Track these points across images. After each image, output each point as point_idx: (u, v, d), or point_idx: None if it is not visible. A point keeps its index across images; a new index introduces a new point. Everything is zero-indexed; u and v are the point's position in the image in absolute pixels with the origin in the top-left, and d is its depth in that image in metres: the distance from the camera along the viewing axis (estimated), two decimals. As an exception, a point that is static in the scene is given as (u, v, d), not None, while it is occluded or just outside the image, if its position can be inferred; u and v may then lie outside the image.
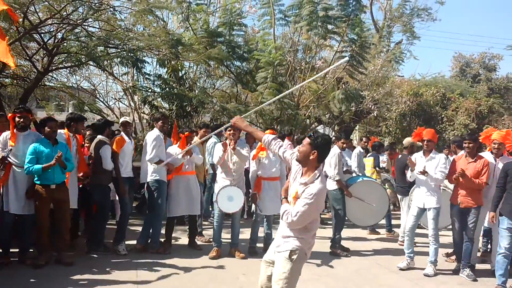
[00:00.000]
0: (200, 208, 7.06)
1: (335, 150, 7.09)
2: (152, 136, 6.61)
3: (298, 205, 3.38)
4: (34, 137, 5.78)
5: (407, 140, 8.00)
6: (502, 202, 5.58)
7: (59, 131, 6.17)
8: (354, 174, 8.09)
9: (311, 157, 3.46)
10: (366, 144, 10.12)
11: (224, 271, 5.92)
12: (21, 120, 5.60)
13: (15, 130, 5.59)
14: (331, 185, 7.02)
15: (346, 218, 7.24)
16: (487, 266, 6.38)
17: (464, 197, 6.07)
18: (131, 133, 6.94)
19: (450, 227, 6.60)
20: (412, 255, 6.43)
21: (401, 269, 6.29)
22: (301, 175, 3.54)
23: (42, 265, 5.61)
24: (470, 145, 6.12)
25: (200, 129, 8.30)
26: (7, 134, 5.60)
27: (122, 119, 7.06)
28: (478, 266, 6.41)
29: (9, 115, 5.71)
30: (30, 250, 5.99)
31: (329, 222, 9.38)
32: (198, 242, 7.14)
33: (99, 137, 6.51)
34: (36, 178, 5.61)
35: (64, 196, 5.80)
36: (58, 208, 5.77)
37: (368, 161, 9.10)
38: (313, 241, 3.61)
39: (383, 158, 9.39)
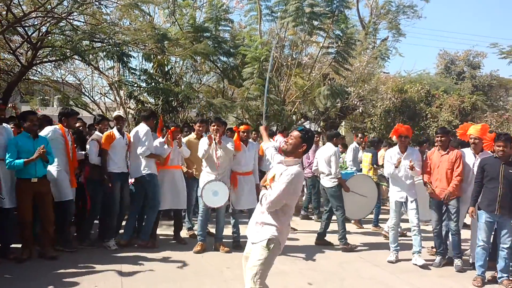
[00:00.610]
0: (186, 203, 7.07)
1: (332, 148, 7.23)
2: (143, 130, 6.63)
3: (277, 186, 3.51)
4: (9, 130, 5.77)
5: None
6: (481, 197, 5.72)
7: (53, 126, 6.17)
8: (349, 169, 8.22)
9: (299, 150, 3.66)
10: (361, 139, 10.21)
11: (208, 264, 5.97)
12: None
13: None
14: (328, 183, 7.14)
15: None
16: (466, 258, 6.51)
17: (443, 190, 6.22)
18: (123, 127, 6.87)
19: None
20: (398, 248, 6.60)
21: (391, 262, 6.42)
22: (281, 162, 3.73)
23: (25, 259, 5.60)
24: (442, 138, 6.35)
25: (195, 124, 8.04)
26: None
27: (115, 113, 6.99)
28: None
29: None
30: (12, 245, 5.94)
31: (312, 217, 9.49)
32: (188, 236, 7.18)
33: (96, 133, 6.63)
34: (17, 173, 5.58)
35: (46, 189, 5.80)
36: (40, 202, 5.74)
37: (366, 157, 9.09)
38: (288, 232, 3.74)
39: (381, 154, 9.38)
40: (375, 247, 7.27)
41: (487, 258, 5.69)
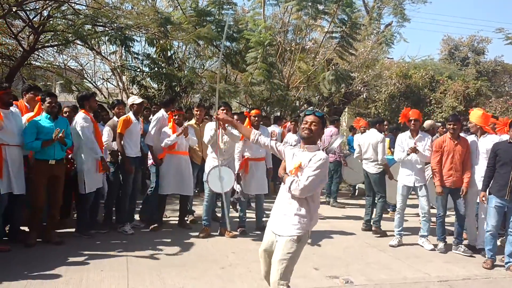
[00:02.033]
0: (192, 189, 7.06)
1: (379, 134, 7.26)
2: (154, 118, 6.82)
3: (308, 171, 3.35)
4: (18, 114, 5.72)
5: (427, 123, 8.07)
6: (492, 182, 5.71)
7: (81, 113, 6.14)
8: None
9: (319, 137, 3.58)
10: (338, 125, 10.28)
11: (213, 249, 5.96)
12: (6, 96, 5.48)
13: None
14: (373, 169, 7.20)
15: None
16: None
17: (453, 178, 6.20)
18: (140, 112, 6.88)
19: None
20: (402, 232, 6.62)
21: (392, 246, 6.44)
22: (304, 150, 3.53)
23: (34, 244, 5.58)
24: (455, 126, 6.23)
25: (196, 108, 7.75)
26: None
27: (131, 99, 6.97)
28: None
29: None
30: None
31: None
32: (188, 221, 7.19)
33: (113, 119, 6.81)
34: (35, 154, 5.58)
35: (61, 173, 5.78)
36: (52, 185, 5.72)
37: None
38: (316, 219, 3.59)
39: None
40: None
41: (496, 243, 5.76)
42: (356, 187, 11.04)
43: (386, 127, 9.93)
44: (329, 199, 9.63)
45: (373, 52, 14.44)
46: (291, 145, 3.81)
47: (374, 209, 7.33)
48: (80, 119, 6.05)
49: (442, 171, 6.26)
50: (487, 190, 5.77)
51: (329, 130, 9.52)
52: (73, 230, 6.30)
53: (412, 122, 6.53)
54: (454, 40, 26.66)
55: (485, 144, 6.14)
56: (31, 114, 5.94)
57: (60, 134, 5.45)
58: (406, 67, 15.59)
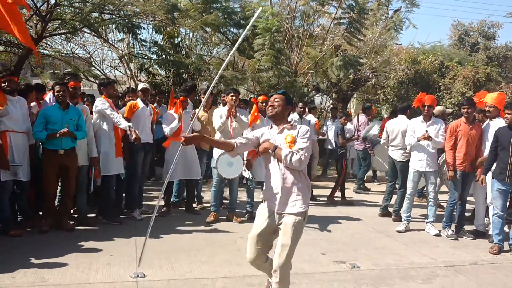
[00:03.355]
0: (199, 173, 7.11)
1: (406, 120, 7.20)
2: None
3: (300, 143, 3.38)
4: (24, 102, 5.77)
5: (438, 109, 8.04)
6: (495, 165, 5.76)
7: (100, 99, 6.21)
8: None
9: (286, 112, 3.60)
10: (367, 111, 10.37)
11: (221, 234, 6.02)
12: (6, 84, 5.51)
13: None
14: (400, 157, 7.15)
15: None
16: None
17: (467, 162, 6.21)
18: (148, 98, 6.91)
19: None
20: (410, 218, 6.64)
21: (400, 232, 6.46)
22: (282, 130, 3.51)
23: (47, 230, 5.66)
24: (469, 110, 6.18)
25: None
26: None
27: (141, 85, 7.04)
28: (468, 228, 6.59)
29: None
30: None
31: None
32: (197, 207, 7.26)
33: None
34: (44, 143, 5.64)
35: (72, 163, 5.78)
36: (64, 174, 5.78)
37: None
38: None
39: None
40: (388, 219, 7.28)
41: (503, 227, 5.78)
42: (377, 173, 11.22)
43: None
44: (356, 185, 9.82)
45: (382, 38, 14.29)
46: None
47: (393, 196, 7.36)
48: (99, 102, 6.17)
49: (455, 155, 6.23)
50: (491, 174, 5.83)
51: (361, 118, 9.55)
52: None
53: (426, 107, 6.51)
54: (464, 25, 26.30)
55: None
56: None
57: (62, 131, 5.46)
58: (415, 53, 15.43)
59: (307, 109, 9.32)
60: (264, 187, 3.60)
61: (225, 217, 6.70)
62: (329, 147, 10.69)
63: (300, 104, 8.17)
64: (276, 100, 3.55)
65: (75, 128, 5.69)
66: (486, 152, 6.12)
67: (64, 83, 5.91)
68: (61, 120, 5.56)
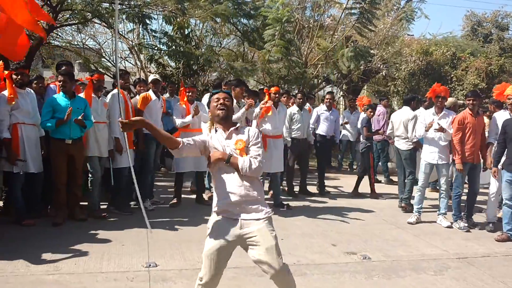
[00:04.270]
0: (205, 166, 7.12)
1: (410, 112, 7.28)
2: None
3: (255, 148, 3.07)
4: (33, 94, 5.79)
5: (449, 101, 7.99)
6: (504, 157, 5.81)
7: (114, 90, 6.24)
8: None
9: (232, 111, 3.26)
10: (388, 103, 10.35)
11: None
12: (18, 77, 5.53)
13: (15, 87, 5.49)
14: (404, 146, 7.23)
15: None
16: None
17: (474, 154, 6.21)
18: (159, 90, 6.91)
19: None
20: (421, 210, 6.62)
21: (411, 224, 6.44)
22: (230, 135, 3.11)
23: (62, 223, 5.67)
24: (474, 102, 6.17)
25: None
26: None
27: (151, 77, 7.05)
28: (478, 219, 6.59)
29: (5, 73, 5.49)
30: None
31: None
32: (207, 198, 7.27)
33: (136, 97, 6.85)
34: (52, 133, 5.65)
35: (79, 152, 5.81)
36: (71, 164, 5.79)
37: None
38: None
39: None
40: (398, 210, 7.26)
41: None
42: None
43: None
44: (385, 179, 9.85)
45: (393, 28, 14.16)
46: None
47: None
48: (110, 96, 6.19)
49: (463, 148, 6.19)
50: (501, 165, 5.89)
51: (378, 110, 9.51)
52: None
53: (440, 99, 6.46)
54: (477, 15, 25.91)
55: None
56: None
57: (79, 117, 5.49)
58: (427, 44, 15.27)
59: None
60: (216, 199, 3.09)
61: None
62: (351, 139, 10.69)
63: (299, 95, 8.02)
64: (227, 99, 3.15)
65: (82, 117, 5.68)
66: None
67: (67, 72, 5.87)
68: (67, 109, 5.54)
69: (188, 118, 6.63)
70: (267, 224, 3.02)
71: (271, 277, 2.99)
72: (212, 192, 7.30)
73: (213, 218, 3.12)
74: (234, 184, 3.01)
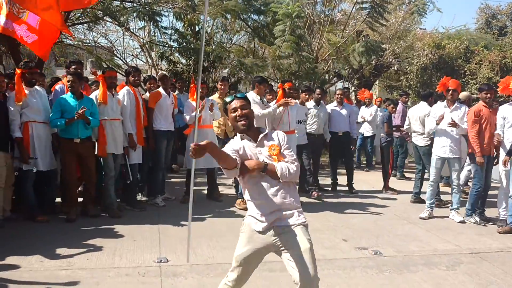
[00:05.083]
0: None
1: (427, 107, 7.25)
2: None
3: (288, 152, 2.97)
4: (43, 92, 5.86)
5: (463, 94, 7.91)
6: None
7: (126, 88, 6.31)
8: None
9: (253, 116, 3.08)
10: (406, 99, 10.20)
11: (235, 221, 6.01)
12: (32, 76, 5.60)
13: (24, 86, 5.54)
14: (421, 142, 7.26)
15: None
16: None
17: (491, 146, 6.17)
18: (168, 86, 6.95)
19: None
20: (433, 205, 6.58)
21: (423, 219, 6.40)
22: (261, 142, 2.98)
23: (74, 219, 5.74)
24: (488, 94, 6.13)
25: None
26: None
27: (160, 73, 7.10)
28: (490, 214, 6.49)
29: (18, 71, 5.55)
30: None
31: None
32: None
33: (146, 94, 6.91)
34: (60, 132, 5.72)
35: (89, 151, 5.86)
36: (83, 163, 5.86)
37: None
38: None
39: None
40: (410, 206, 7.22)
41: None
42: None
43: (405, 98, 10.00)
44: (398, 174, 9.82)
45: (405, 22, 14.04)
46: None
47: (422, 181, 7.37)
48: (121, 94, 6.24)
49: (481, 140, 6.12)
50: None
51: (399, 107, 9.46)
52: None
53: (450, 92, 6.38)
54: (492, 8, 25.58)
55: None
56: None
57: (80, 111, 5.51)
58: (439, 38, 15.11)
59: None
60: (251, 207, 2.98)
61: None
62: (367, 134, 10.67)
63: (318, 90, 7.94)
64: (244, 107, 2.96)
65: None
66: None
67: (75, 72, 5.89)
68: (75, 109, 5.59)
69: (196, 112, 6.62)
70: (303, 229, 2.88)
71: (301, 284, 2.71)
72: (242, 199, 7.42)
73: (247, 222, 3.00)
74: (269, 192, 2.90)
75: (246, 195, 3.02)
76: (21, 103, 5.44)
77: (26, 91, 5.52)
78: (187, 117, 6.69)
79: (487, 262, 4.75)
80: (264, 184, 2.91)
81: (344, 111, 8.20)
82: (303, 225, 2.91)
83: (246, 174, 2.90)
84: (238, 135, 3.04)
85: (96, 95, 5.97)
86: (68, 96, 5.74)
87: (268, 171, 2.87)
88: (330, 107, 8.41)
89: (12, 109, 5.44)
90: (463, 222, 6.21)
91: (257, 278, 4.10)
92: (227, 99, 3.07)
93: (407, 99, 10.28)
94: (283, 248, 2.86)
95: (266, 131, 3.04)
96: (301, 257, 2.76)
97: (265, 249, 2.94)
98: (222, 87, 7.39)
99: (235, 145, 2.96)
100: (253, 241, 2.94)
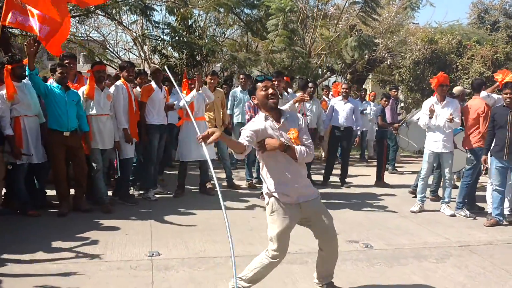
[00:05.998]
0: (213, 154, 7.18)
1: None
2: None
3: (305, 137, 3.35)
4: (31, 88, 5.76)
5: (457, 89, 7.91)
6: (493, 144, 5.89)
7: (118, 82, 6.28)
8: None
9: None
10: (396, 93, 10.23)
11: (235, 215, 6.05)
12: (20, 69, 5.53)
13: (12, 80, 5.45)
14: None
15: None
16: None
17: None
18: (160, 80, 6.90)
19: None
20: (424, 199, 6.62)
21: (414, 212, 6.44)
22: (283, 124, 3.30)
23: (66, 213, 5.72)
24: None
25: (206, 77, 7.85)
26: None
27: (152, 67, 7.07)
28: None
29: (8, 67, 5.42)
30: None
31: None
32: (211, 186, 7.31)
33: (136, 89, 6.85)
34: (50, 123, 5.68)
35: (78, 143, 5.83)
36: (73, 156, 5.84)
37: None
38: None
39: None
40: (402, 200, 7.26)
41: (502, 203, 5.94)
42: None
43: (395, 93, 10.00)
44: (390, 167, 9.86)
45: (398, 17, 14.05)
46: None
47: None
48: (112, 88, 6.20)
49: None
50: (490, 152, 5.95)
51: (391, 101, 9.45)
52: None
53: (443, 87, 6.40)
54: (484, 3, 25.57)
55: None
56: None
57: None
58: (432, 32, 15.14)
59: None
60: (273, 183, 3.33)
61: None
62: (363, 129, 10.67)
63: (310, 84, 7.91)
64: (275, 87, 3.36)
65: (76, 108, 5.72)
66: None
67: (65, 64, 5.84)
68: (64, 100, 5.57)
69: (190, 96, 6.61)
70: (320, 202, 3.49)
71: (326, 241, 3.51)
72: (251, 181, 7.53)
73: (275, 202, 3.34)
74: (289, 170, 3.30)
75: (265, 173, 3.37)
76: (13, 100, 5.40)
77: (16, 86, 5.46)
78: (181, 102, 6.61)
79: (476, 254, 4.80)
80: (282, 163, 3.29)
81: (348, 106, 8.11)
82: (319, 195, 3.49)
83: (263, 151, 3.26)
84: (262, 114, 3.34)
85: (83, 90, 5.92)
86: (56, 88, 5.65)
87: (289, 152, 3.23)
88: (335, 101, 8.37)
89: (1, 106, 5.37)
90: (453, 215, 6.27)
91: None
92: (258, 78, 3.40)
93: (396, 92, 10.24)
94: (311, 218, 3.44)
95: (288, 115, 3.37)
96: (325, 225, 3.44)
97: (295, 221, 3.38)
98: (212, 81, 7.41)
99: (256, 125, 3.27)
100: (288, 216, 3.32)
